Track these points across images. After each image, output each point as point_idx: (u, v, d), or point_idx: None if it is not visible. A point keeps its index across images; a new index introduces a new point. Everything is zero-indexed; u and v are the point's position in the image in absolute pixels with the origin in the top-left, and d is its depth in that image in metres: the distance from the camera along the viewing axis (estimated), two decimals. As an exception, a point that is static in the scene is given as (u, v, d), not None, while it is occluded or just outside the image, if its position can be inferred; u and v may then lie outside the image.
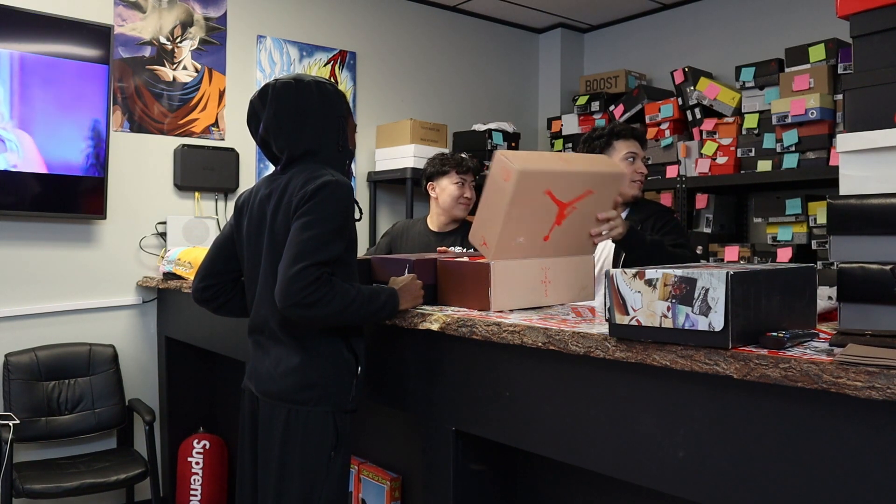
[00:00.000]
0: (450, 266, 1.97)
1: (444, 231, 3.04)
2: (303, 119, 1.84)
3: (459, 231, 3.03)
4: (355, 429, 1.95)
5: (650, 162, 4.00)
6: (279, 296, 1.66)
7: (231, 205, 3.77)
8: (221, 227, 3.69)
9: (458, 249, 2.84)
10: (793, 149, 3.40)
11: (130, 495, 3.35)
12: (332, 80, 1.84)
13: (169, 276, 3.31)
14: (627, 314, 1.34)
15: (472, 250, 2.78)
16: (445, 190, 3.01)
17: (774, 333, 1.25)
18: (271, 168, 4.07)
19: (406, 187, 3.98)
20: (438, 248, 2.64)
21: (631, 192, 2.43)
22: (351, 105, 4.01)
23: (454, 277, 1.95)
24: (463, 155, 3.09)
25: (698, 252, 3.68)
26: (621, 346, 1.37)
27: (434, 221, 3.10)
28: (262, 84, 2.03)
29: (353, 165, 2.07)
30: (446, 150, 3.17)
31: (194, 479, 3.32)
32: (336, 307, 1.67)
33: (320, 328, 1.79)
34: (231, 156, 3.72)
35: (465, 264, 1.93)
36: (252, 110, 1.92)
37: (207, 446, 3.34)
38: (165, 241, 3.53)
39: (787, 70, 3.48)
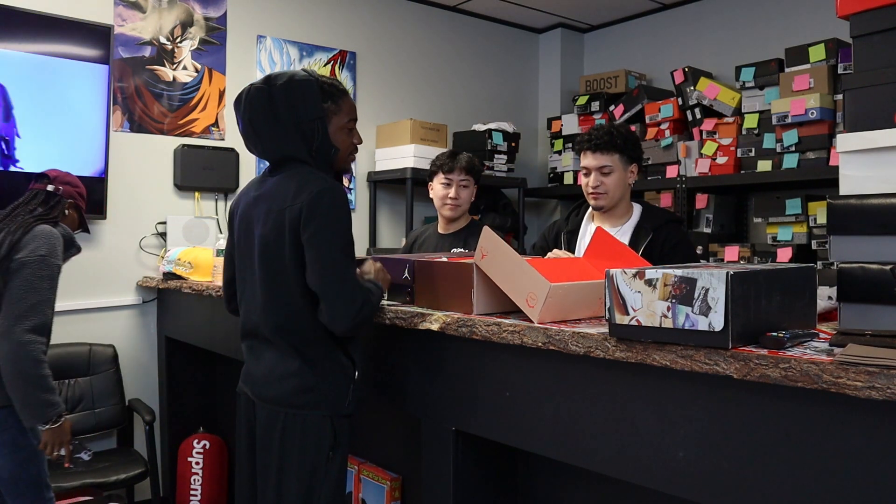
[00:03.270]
0: (430, 267, 1.90)
1: (449, 233, 2.99)
2: (274, 126, 1.80)
3: (463, 233, 2.95)
4: (355, 429, 1.95)
5: (650, 162, 4.01)
6: (342, 323, 1.74)
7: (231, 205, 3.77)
8: (220, 228, 3.70)
9: (458, 251, 2.82)
10: (793, 149, 3.40)
11: (130, 495, 3.35)
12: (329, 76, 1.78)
13: (169, 276, 3.31)
14: (627, 314, 1.34)
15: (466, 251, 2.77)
16: (434, 190, 2.97)
17: (774, 333, 1.25)
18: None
19: (406, 187, 3.98)
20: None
21: (591, 204, 2.43)
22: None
23: (435, 279, 1.88)
24: (459, 154, 2.97)
25: (698, 252, 3.68)
26: (621, 346, 1.37)
27: (440, 224, 3.06)
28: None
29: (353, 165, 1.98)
30: (449, 150, 3.08)
31: (194, 479, 3.32)
32: (373, 314, 1.85)
33: (315, 334, 1.80)
34: (231, 156, 3.72)
35: (446, 264, 1.86)
36: (235, 116, 1.91)
37: (207, 446, 3.34)
38: (165, 241, 3.52)
39: (787, 70, 3.48)
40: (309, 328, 1.79)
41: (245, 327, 1.92)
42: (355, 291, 1.75)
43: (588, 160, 2.40)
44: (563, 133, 4.60)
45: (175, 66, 3.61)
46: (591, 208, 2.50)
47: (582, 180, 2.44)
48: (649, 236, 2.32)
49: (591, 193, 2.39)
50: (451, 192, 2.90)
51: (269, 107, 1.79)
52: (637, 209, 2.46)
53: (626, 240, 2.36)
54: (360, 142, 1.94)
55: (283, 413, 1.79)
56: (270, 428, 1.81)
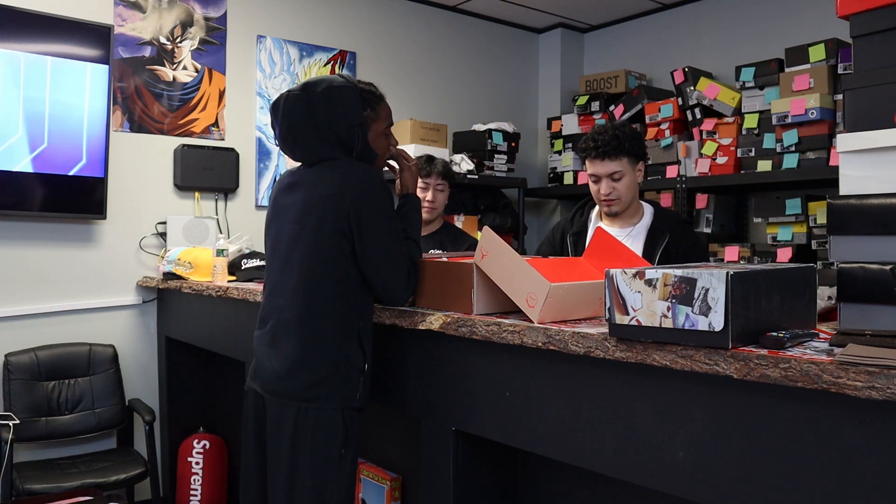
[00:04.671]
0: (430, 267, 1.91)
1: (424, 235, 3.02)
2: (313, 132, 1.84)
3: (438, 235, 3.01)
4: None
5: (650, 162, 4.01)
6: (395, 301, 1.87)
7: (231, 205, 3.78)
8: (220, 228, 3.69)
9: (436, 252, 2.84)
10: (793, 149, 3.40)
11: (130, 495, 3.35)
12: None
13: (169, 276, 3.31)
14: (627, 314, 1.34)
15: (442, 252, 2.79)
16: None
17: (774, 333, 1.25)
18: (271, 168, 4.08)
19: (406, 187, 3.97)
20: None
21: (603, 211, 2.39)
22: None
23: (435, 279, 1.89)
24: (435, 159, 3.02)
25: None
26: (621, 346, 1.37)
27: None
28: (275, 94, 1.90)
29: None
30: (425, 155, 3.10)
31: (194, 479, 3.32)
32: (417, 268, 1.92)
33: (335, 323, 1.81)
34: (231, 156, 3.72)
35: (446, 265, 1.87)
36: (271, 120, 1.95)
37: (207, 446, 3.34)
38: (165, 241, 3.52)
39: (787, 70, 3.48)
40: (332, 317, 1.81)
41: (266, 311, 1.92)
42: (408, 268, 1.85)
43: (596, 168, 2.31)
44: (563, 133, 4.60)
45: (175, 66, 3.61)
46: (596, 207, 2.48)
47: (591, 187, 2.36)
48: (666, 238, 2.28)
49: (605, 200, 2.33)
50: (429, 196, 2.97)
51: (308, 114, 1.83)
52: (649, 210, 2.41)
53: (640, 240, 2.32)
54: (396, 144, 2.00)
55: (295, 407, 1.79)
56: (282, 423, 1.81)
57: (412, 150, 3.95)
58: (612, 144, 2.27)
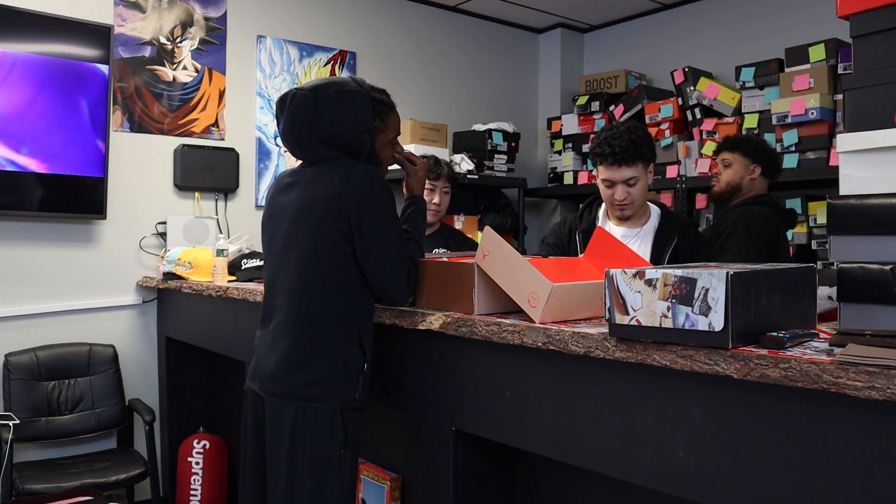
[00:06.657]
0: (430, 267, 1.91)
1: (426, 235, 3.04)
2: (315, 135, 1.84)
3: (441, 235, 3.03)
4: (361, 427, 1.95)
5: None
6: (395, 301, 1.87)
7: (231, 205, 3.78)
8: (220, 228, 3.69)
9: (440, 251, 2.85)
10: (793, 149, 3.40)
11: (130, 495, 3.35)
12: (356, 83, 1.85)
13: (169, 276, 3.31)
14: (627, 314, 1.34)
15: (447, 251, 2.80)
16: None
17: (774, 333, 1.25)
18: (271, 168, 4.08)
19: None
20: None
21: (615, 215, 2.36)
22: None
23: (435, 279, 1.89)
24: (442, 161, 3.04)
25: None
26: (621, 346, 1.37)
27: None
28: (275, 94, 1.88)
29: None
30: (432, 157, 3.11)
31: (194, 479, 3.31)
32: (418, 270, 1.93)
33: (334, 322, 1.81)
34: (231, 156, 3.72)
35: (447, 265, 1.87)
36: (276, 113, 1.95)
37: (207, 446, 3.34)
38: (165, 241, 3.52)
39: (787, 70, 3.48)
40: (331, 317, 1.81)
41: (267, 311, 1.93)
42: (408, 268, 1.85)
43: (612, 174, 2.26)
44: (563, 133, 4.60)
45: (175, 66, 3.61)
46: (603, 205, 2.46)
47: (604, 192, 2.33)
48: (675, 240, 2.27)
49: (618, 205, 2.30)
50: (435, 199, 3.00)
51: (312, 117, 1.82)
52: (655, 211, 2.39)
53: (648, 241, 2.31)
54: (401, 153, 2.01)
55: (293, 407, 1.79)
56: (280, 423, 1.81)
57: (412, 150, 3.95)
58: (630, 151, 2.22)
